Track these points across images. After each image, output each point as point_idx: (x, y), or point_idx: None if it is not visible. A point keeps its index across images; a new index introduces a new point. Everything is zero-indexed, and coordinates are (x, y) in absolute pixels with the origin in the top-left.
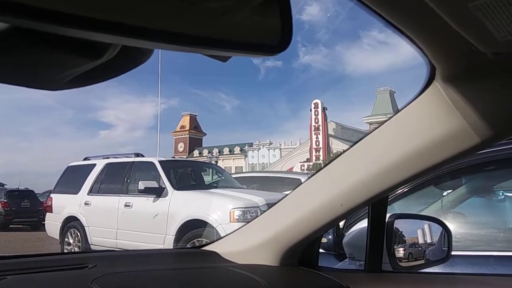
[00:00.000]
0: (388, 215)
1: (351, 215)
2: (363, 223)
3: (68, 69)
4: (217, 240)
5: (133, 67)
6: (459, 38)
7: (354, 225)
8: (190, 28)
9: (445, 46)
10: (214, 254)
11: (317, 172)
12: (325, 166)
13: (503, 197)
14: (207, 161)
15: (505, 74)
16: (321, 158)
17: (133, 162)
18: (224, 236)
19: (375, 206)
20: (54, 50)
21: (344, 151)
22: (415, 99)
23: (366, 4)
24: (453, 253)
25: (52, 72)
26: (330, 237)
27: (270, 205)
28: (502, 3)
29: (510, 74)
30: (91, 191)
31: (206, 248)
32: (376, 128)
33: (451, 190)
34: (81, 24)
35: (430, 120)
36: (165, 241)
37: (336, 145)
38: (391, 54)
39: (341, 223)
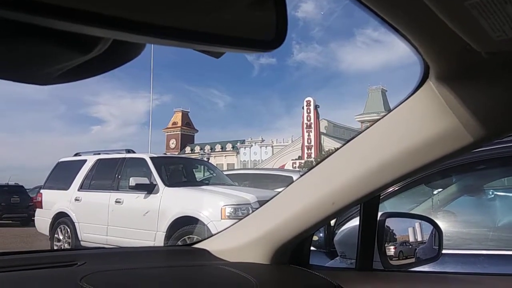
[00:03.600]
0: (379, 214)
1: (342, 213)
2: (354, 222)
3: (58, 63)
4: (208, 237)
5: (125, 62)
6: (454, 37)
7: (345, 223)
8: (183, 22)
9: (440, 45)
10: (204, 252)
11: (309, 170)
12: (317, 164)
13: (493, 195)
14: (199, 158)
15: (499, 74)
16: (312, 155)
17: (124, 158)
18: (215, 234)
19: (367, 204)
20: (43, 44)
21: (337, 150)
22: (408, 97)
23: (361, 1)
24: (443, 251)
25: (41, 66)
26: (321, 235)
27: (261, 202)
28: (499, 2)
29: (505, 74)
30: (81, 187)
31: (196, 245)
32: (369, 127)
33: (441, 189)
34: (71, 16)
35: (423, 119)
36: (156, 237)
37: (328, 143)
38: (385, 52)
39: (332, 221)
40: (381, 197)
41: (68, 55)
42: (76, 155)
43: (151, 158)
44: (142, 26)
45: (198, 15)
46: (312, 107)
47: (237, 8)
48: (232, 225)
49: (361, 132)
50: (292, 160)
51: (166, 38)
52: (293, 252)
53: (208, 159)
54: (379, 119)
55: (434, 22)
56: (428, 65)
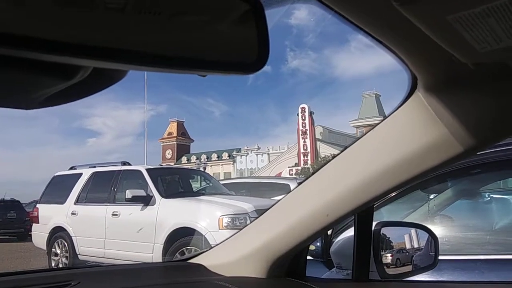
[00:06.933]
0: (374, 223)
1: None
2: (349, 232)
3: (41, 89)
4: (203, 251)
5: (109, 85)
6: (440, 49)
7: (342, 231)
8: (165, 49)
9: (426, 57)
10: (200, 267)
11: (302, 182)
12: (310, 176)
13: (489, 198)
14: (195, 168)
15: (486, 84)
16: (309, 162)
17: (120, 170)
18: (211, 248)
19: (361, 214)
20: (26, 72)
21: (329, 161)
22: (397, 108)
23: (345, 17)
24: (440, 257)
25: (25, 92)
26: (318, 244)
27: (259, 211)
28: (481, 15)
29: (491, 84)
30: (77, 201)
31: (192, 260)
32: (359, 138)
33: (437, 194)
34: (51, 48)
35: (413, 130)
36: (154, 250)
37: (324, 149)
38: (378, 57)
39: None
40: (377, 204)
41: (50, 82)
42: (71, 168)
43: (147, 169)
44: (123, 54)
45: (179, 41)
46: (307, 114)
47: (218, 33)
48: (228, 239)
49: (352, 144)
50: (288, 167)
51: (149, 65)
52: (290, 264)
53: (205, 168)
54: (369, 130)
55: (419, 35)
56: (415, 76)
